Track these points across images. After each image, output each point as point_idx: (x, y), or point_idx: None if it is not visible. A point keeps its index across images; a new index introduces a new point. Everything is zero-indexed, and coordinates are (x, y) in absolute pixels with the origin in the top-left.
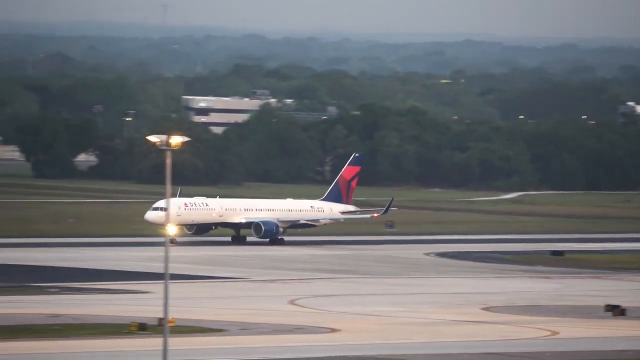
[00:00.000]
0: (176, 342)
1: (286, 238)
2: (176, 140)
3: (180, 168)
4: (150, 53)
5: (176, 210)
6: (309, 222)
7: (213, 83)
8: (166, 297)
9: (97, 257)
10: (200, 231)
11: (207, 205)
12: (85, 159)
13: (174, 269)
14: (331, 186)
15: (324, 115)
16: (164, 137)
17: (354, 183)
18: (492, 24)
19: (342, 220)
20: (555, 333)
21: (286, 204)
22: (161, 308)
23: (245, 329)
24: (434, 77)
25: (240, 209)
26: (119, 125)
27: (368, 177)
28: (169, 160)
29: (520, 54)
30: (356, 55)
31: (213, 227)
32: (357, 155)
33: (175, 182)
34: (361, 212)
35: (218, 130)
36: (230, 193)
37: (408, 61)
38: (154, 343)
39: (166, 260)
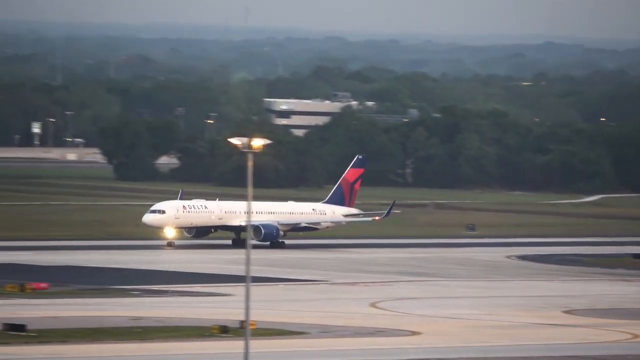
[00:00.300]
0: (257, 345)
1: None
2: (258, 142)
3: (261, 170)
4: (232, 55)
5: (174, 212)
6: (310, 225)
7: (294, 85)
8: (247, 300)
9: (179, 260)
10: (199, 234)
11: (206, 207)
12: (166, 161)
13: (254, 271)
14: (334, 189)
15: (405, 118)
16: (245, 139)
17: (357, 185)
18: (573, 26)
19: (344, 223)
20: (636, 336)
21: (287, 207)
22: (242, 310)
23: (326, 331)
24: (515, 80)
25: (240, 212)
26: (200, 127)
27: (449, 179)
28: (250, 163)
29: (601, 57)
30: (437, 58)
31: (212, 230)
32: (360, 157)
33: (256, 185)
34: (364, 215)
35: (299, 132)
36: (311, 196)
37: (489, 63)
38: (235, 346)
39: (247, 262)
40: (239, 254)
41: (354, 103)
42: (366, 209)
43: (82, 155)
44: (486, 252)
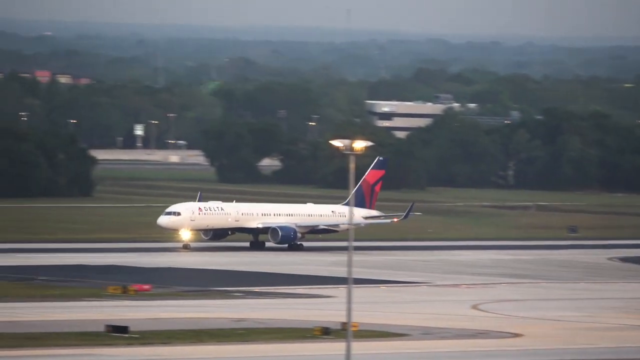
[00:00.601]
0: (359, 347)
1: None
2: (360, 144)
3: (363, 173)
4: (333, 57)
5: (190, 215)
6: (328, 228)
7: (396, 87)
8: (349, 302)
9: (280, 262)
10: (216, 236)
11: (222, 209)
12: (269, 163)
13: (356, 273)
14: (353, 190)
15: (506, 120)
16: (347, 141)
17: (377, 187)
18: None
19: (363, 225)
20: None
21: (306, 209)
22: (344, 312)
23: (428, 333)
24: (616, 81)
25: (258, 214)
26: (302, 129)
27: (551, 181)
28: (352, 165)
29: None
30: (539, 59)
31: (229, 233)
32: (381, 159)
33: None
34: (385, 217)
35: (401, 134)
36: (412, 197)
37: (590, 65)
38: (337, 347)
39: (349, 264)
40: (341, 255)
41: (455, 105)
42: (466, 210)
43: (185, 158)
44: (588, 254)
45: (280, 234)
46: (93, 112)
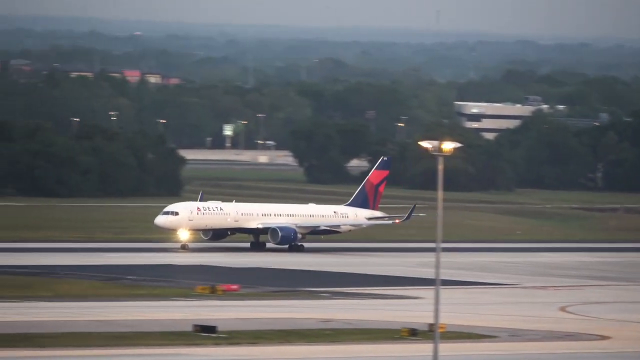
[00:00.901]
0: (446, 348)
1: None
2: (448, 146)
3: (451, 174)
4: (422, 58)
5: (188, 214)
6: (330, 229)
7: (485, 89)
8: (437, 303)
9: (367, 263)
10: (216, 237)
11: (221, 209)
12: (357, 164)
13: (444, 274)
14: (357, 191)
15: (595, 122)
16: (436, 142)
17: (381, 188)
18: None
19: (365, 226)
20: None
21: (307, 209)
22: (432, 313)
23: (516, 335)
24: None
25: (258, 214)
26: (391, 130)
27: (638, 183)
28: (441, 166)
29: None
30: (628, 61)
31: (229, 233)
32: (385, 158)
33: (446, 188)
34: (389, 219)
35: (490, 136)
36: (501, 199)
37: None
38: (424, 348)
39: (437, 266)
40: (428, 257)
41: (544, 107)
42: (554, 212)
43: (274, 158)
44: None
45: (280, 234)
46: (182, 112)
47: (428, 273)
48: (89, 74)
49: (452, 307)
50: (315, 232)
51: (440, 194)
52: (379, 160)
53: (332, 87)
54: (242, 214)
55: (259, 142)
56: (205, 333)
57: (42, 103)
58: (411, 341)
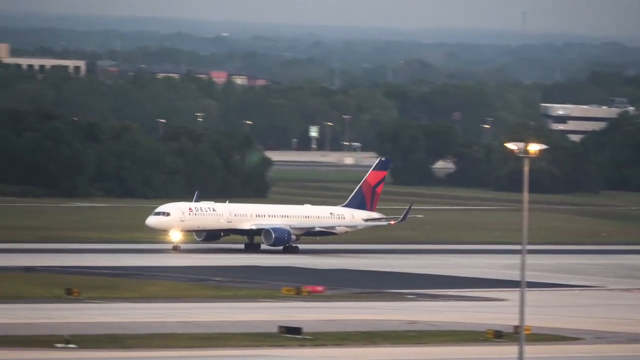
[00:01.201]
0: (532, 350)
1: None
2: (534, 147)
3: (537, 176)
4: (508, 60)
5: (179, 215)
6: (325, 230)
7: (570, 90)
8: (522, 305)
9: (453, 264)
10: (210, 238)
11: (214, 210)
12: (442, 165)
13: (528, 276)
14: (354, 192)
15: None
16: (521, 144)
17: (379, 189)
18: None
19: (360, 227)
20: None
21: (302, 210)
22: (517, 315)
23: (601, 337)
24: None
25: (251, 215)
26: (477, 132)
27: None
28: (526, 168)
29: None
30: None
31: (222, 234)
32: (382, 159)
33: (532, 190)
34: (386, 220)
35: (575, 138)
36: (587, 201)
37: None
38: (510, 351)
39: (523, 267)
40: (512, 258)
41: (630, 109)
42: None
43: (359, 159)
44: None
45: (273, 235)
46: (268, 113)
47: (513, 275)
48: (175, 75)
49: (537, 309)
50: (310, 233)
51: (525, 195)
52: (377, 161)
53: (417, 88)
54: (235, 215)
55: (344, 143)
56: (290, 334)
57: (128, 104)
58: (496, 343)
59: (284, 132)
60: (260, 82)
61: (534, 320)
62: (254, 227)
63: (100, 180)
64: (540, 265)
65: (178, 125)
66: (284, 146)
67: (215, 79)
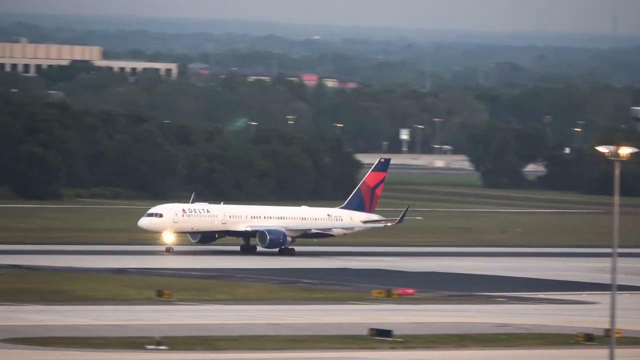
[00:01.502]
0: (622, 354)
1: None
2: (625, 151)
3: (628, 179)
4: (599, 63)
5: (172, 216)
6: (322, 232)
7: None
8: (613, 308)
9: (544, 267)
10: (205, 240)
11: (208, 212)
12: (533, 169)
13: (619, 280)
14: (352, 193)
15: None
16: (612, 147)
17: (378, 190)
18: None
19: (357, 229)
20: None
21: (299, 212)
22: (608, 319)
23: None
24: None
25: (247, 217)
26: (567, 135)
27: None
28: (617, 171)
29: None
30: None
31: (216, 236)
32: (382, 160)
33: (623, 194)
34: (385, 222)
35: None
36: None
37: None
38: (600, 354)
39: (613, 271)
40: (604, 262)
41: None
42: None
43: (450, 162)
44: None
45: (268, 237)
46: (359, 116)
47: (603, 278)
48: (266, 78)
49: (628, 313)
50: (306, 235)
51: (616, 199)
52: (376, 162)
53: (508, 91)
54: (230, 217)
55: (435, 146)
56: (380, 337)
57: (219, 107)
58: (587, 346)
59: (375, 135)
60: (351, 85)
61: (625, 323)
62: (249, 229)
63: (191, 183)
64: (631, 269)
65: (269, 128)
66: (375, 149)
67: (306, 82)
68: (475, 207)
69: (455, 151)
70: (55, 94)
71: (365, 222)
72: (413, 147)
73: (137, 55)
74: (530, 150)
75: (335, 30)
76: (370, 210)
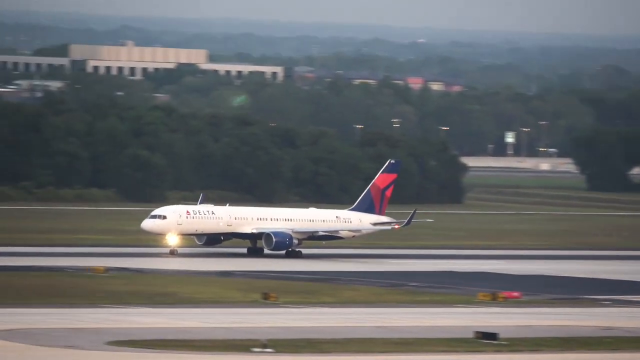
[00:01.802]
0: None
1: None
2: None
3: None
4: None
5: (176, 218)
6: (330, 234)
7: None
8: None
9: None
10: (210, 242)
11: (213, 213)
12: (639, 172)
13: None
14: (362, 195)
15: None
16: None
17: (388, 192)
18: None
19: (365, 232)
20: None
21: (307, 214)
22: None
23: None
24: None
25: (252, 219)
26: None
27: None
28: None
29: None
30: None
31: (222, 238)
32: (392, 161)
33: None
34: (393, 224)
35: None
36: None
37: None
38: None
39: None
40: None
41: None
42: None
43: (555, 166)
44: None
45: (274, 239)
46: (464, 119)
47: None
48: (372, 81)
49: None
50: (313, 237)
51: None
52: (386, 163)
53: (614, 94)
54: (235, 218)
55: (540, 149)
56: (486, 340)
57: (325, 110)
58: None
59: (480, 138)
60: (456, 88)
61: None
62: (255, 231)
63: (297, 186)
64: None
65: (375, 131)
66: (480, 152)
67: (411, 85)
68: (580, 210)
69: (561, 154)
70: (161, 97)
71: (375, 224)
72: (518, 150)
73: (243, 58)
74: (636, 153)
75: (441, 33)
76: (380, 212)
